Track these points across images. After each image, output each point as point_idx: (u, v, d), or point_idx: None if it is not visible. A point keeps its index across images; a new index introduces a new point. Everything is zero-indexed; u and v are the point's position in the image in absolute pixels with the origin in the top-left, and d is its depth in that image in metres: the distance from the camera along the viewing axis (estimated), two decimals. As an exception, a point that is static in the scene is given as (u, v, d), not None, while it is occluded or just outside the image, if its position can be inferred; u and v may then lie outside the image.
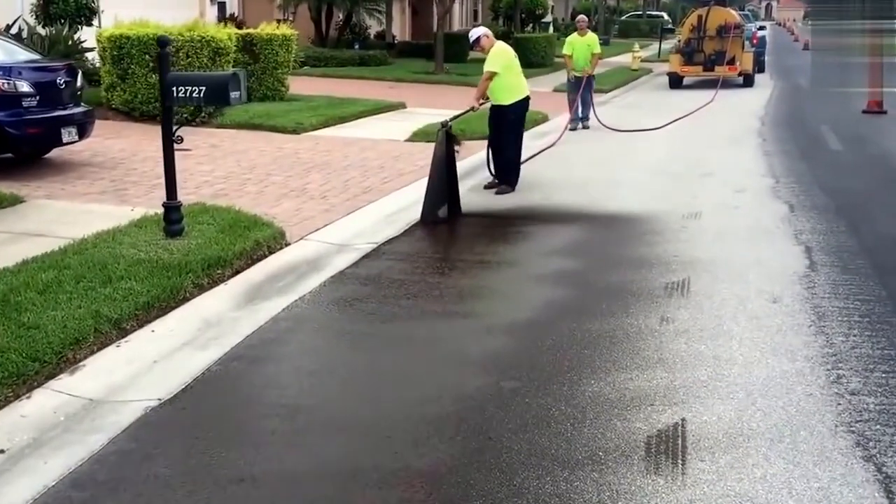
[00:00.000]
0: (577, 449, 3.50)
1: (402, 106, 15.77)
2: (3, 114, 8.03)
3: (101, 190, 8.06)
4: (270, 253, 6.19)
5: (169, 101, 5.96)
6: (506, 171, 8.92)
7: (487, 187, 8.94)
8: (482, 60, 9.29)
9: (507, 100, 8.84)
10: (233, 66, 12.17)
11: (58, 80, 8.62)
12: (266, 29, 15.22)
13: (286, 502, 3.18)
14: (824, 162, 10.99)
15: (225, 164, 9.58)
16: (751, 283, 5.72)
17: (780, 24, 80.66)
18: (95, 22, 14.55)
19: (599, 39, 15.26)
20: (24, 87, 8.23)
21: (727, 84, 20.66)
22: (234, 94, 5.84)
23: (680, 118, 14.43)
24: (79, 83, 9.14)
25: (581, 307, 5.31)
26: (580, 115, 13.92)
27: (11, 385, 3.83)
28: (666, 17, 53.12)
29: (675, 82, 21.93)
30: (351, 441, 3.61)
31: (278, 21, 17.98)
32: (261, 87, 14.74)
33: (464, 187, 8.32)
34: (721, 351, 4.55)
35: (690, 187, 9.19)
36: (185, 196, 6.82)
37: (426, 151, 9.91)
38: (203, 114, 12.11)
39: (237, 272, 5.71)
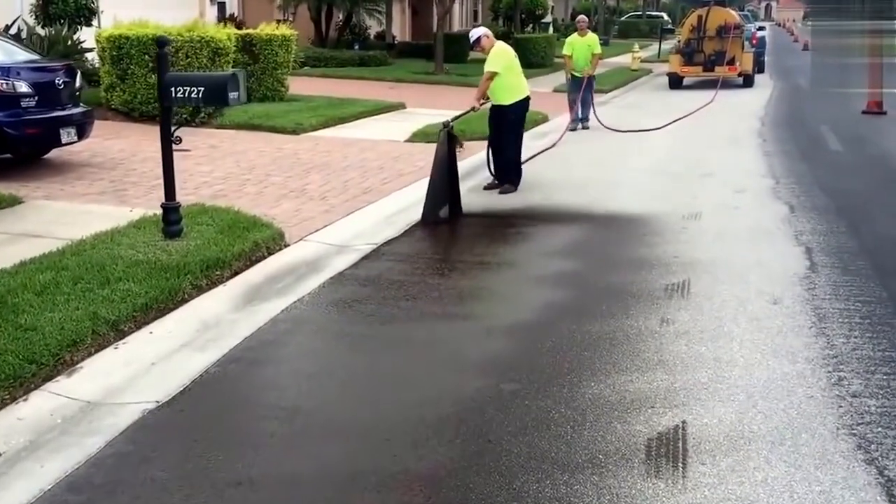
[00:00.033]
0: (577, 452, 3.48)
1: (401, 106, 15.76)
2: (1, 114, 8.01)
3: (100, 191, 8.04)
4: (269, 254, 6.17)
5: (167, 102, 5.94)
6: (508, 170, 8.92)
7: (487, 188, 8.93)
8: (482, 61, 9.28)
9: (508, 100, 8.83)
10: (232, 67, 12.15)
11: (56, 81, 8.61)
12: (266, 29, 15.21)
13: (284, 506, 3.17)
14: (824, 162, 10.98)
15: (224, 165, 9.56)
16: (751, 285, 5.70)
17: (779, 25, 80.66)
18: (95, 22, 14.52)
19: (599, 40, 15.23)
20: (23, 87, 8.21)
21: (727, 84, 20.64)
22: (232, 95, 5.82)
23: (680, 118, 14.41)
24: (78, 83, 9.13)
25: (581, 309, 5.29)
26: (580, 115, 13.90)
27: (8, 387, 3.81)
28: (666, 17, 53.10)
29: (675, 83, 21.91)
30: (350, 444, 3.59)
31: (278, 21, 17.97)
32: (260, 87, 14.73)
33: (464, 187, 8.30)
34: (721, 353, 4.53)
35: (690, 188, 9.17)
36: (184, 197, 6.80)
37: (426, 152, 9.90)
38: (202, 114, 12.10)
39: (236, 273, 5.69)
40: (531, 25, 38.62)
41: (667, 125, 13.75)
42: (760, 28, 29.93)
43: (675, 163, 10.80)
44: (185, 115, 11.43)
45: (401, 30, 34.65)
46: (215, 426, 3.74)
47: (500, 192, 8.76)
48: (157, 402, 3.90)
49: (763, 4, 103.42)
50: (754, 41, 23.94)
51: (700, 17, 21.89)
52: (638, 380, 4.17)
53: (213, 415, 3.87)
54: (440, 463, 3.41)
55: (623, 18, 54.59)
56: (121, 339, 4.53)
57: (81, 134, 8.92)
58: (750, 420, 3.76)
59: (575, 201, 8.43)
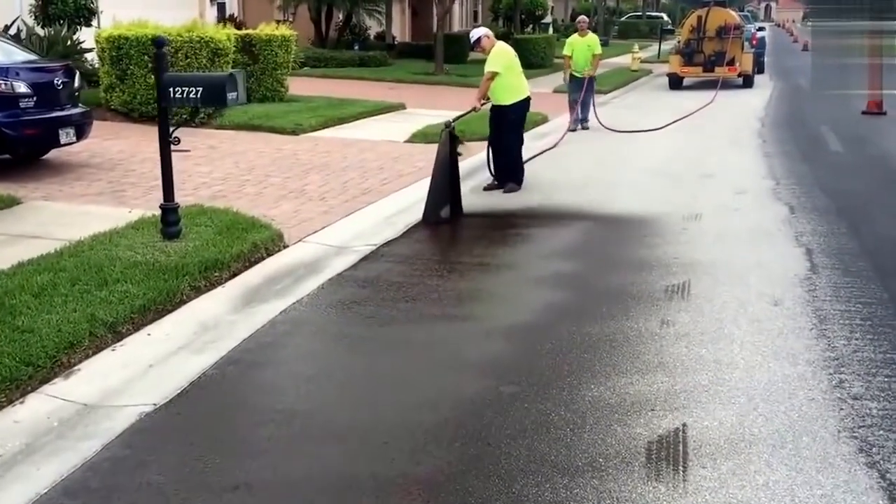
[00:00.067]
0: (577, 455, 3.46)
1: (401, 107, 15.74)
2: (0, 115, 7.99)
3: (98, 191, 8.02)
4: (268, 255, 6.15)
5: (165, 102, 5.92)
6: (511, 170, 8.94)
7: (487, 188, 8.91)
8: (482, 61, 9.27)
9: (508, 100, 8.83)
10: (232, 67, 12.12)
11: (55, 81, 8.58)
12: (265, 30, 15.19)
13: (282, 510, 3.15)
14: (825, 163, 10.95)
15: (223, 166, 9.55)
16: (752, 286, 5.68)
17: (779, 26, 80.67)
18: (94, 22, 14.49)
19: (599, 40, 15.20)
20: (22, 87, 8.19)
21: (727, 85, 20.62)
22: (231, 96, 5.79)
23: (680, 119, 14.39)
24: (77, 84, 9.11)
25: (581, 310, 5.27)
26: (580, 116, 13.87)
27: (5, 390, 3.79)
28: (665, 17, 53.08)
29: (675, 83, 21.90)
30: (348, 448, 3.57)
31: (278, 22, 17.94)
32: (260, 87, 14.70)
33: (465, 188, 8.29)
34: (722, 355, 4.51)
35: (691, 189, 9.15)
36: (183, 197, 6.78)
37: (426, 153, 9.88)
38: (202, 115, 12.06)
39: (234, 275, 5.67)
40: (531, 26, 38.61)
41: (667, 126, 13.73)
42: (760, 28, 29.93)
43: (675, 163, 10.78)
44: (184, 116, 11.34)
45: (401, 30, 34.63)
46: (213, 429, 3.72)
47: (505, 192, 8.79)
48: (155, 404, 3.88)
49: (763, 5, 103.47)
50: (754, 42, 23.94)
51: (700, 17, 21.87)
52: (638, 382, 4.15)
53: (210, 418, 3.85)
54: (439, 467, 3.39)
55: (623, 19, 54.58)
56: (118, 341, 4.51)
57: (80, 134, 8.90)
58: (751, 423, 3.74)
59: (575, 202, 8.41)
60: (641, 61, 27.69)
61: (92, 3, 14.43)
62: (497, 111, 8.93)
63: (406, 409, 3.93)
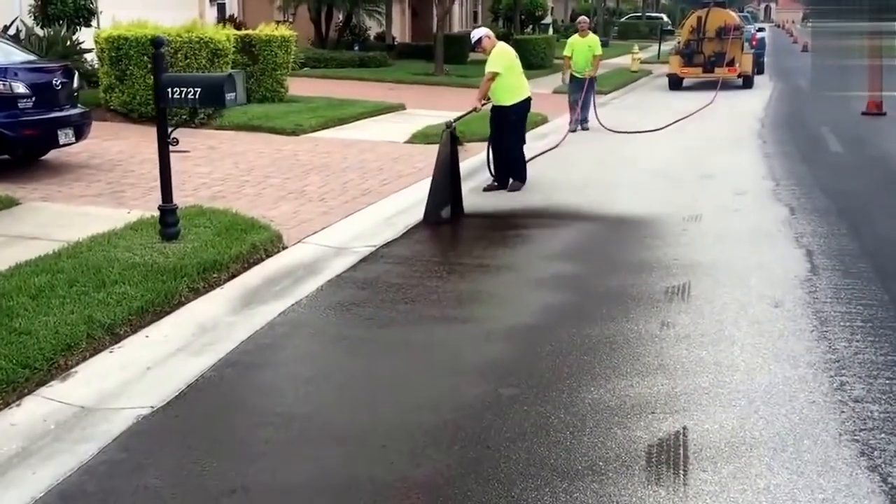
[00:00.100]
0: (577, 458, 3.44)
1: (401, 107, 15.72)
2: (-1, 115, 7.98)
3: (97, 192, 8.00)
4: (267, 256, 6.13)
5: (164, 103, 5.90)
6: (514, 169, 8.95)
7: (487, 189, 8.90)
8: (482, 62, 9.26)
9: (509, 100, 8.83)
10: (231, 68, 12.10)
11: (54, 82, 8.56)
12: (265, 30, 15.16)
13: (280, 514, 3.13)
14: (825, 164, 10.94)
15: (223, 166, 9.53)
16: (752, 288, 5.66)
17: (778, 26, 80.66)
18: (94, 23, 14.47)
19: (599, 41, 15.17)
20: (20, 88, 8.17)
21: (727, 85, 20.61)
22: (229, 96, 5.77)
23: (680, 120, 14.37)
24: (76, 84, 9.09)
25: (581, 312, 5.25)
26: (580, 116, 13.85)
27: (1, 392, 3.77)
28: (665, 18, 53.05)
29: (675, 84, 21.89)
30: (346, 451, 3.55)
31: (278, 22, 17.92)
32: (260, 88, 14.68)
33: (466, 188, 8.28)
34: (722, 357, 4.49)
35: (690, 190, 9.13)
36: (182, 198, 6.76)
37: (426, 153, 9.87)
38: (202, 115, 12.05)
39: (233, 276, 5.65)
40: (531, 26, 38.59)
41: (667, 126, 13.72)
42: (760, 29, 29.91)
43: (674, 164, 10.76)
44: (183, 117, 11.34)
45: (401, 31, 34.62)
46: (210, 432, 3.70)
47: (509, 190, 8.83)
48: (152, 407, 3.86)
49: (762, 6, 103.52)
50: (754, 42, 23.91)
51: (700, 18, 21.86)
52: (638, 384, 4.13)
53: (208, 420, 3.83)
54: (438, 470, 3.37)
55: (623, 20, 54.56)
56: (116, 342, 4.49)
57: (79, 135, 8.88)
58: (751, 426, 3.72)
59: (575, 202, 8.39)
60: (641, 62, 27.67)
61: (91, 3, 14.40)
62: (498, 111, 8.93)
63: (405, 411, 3.91)
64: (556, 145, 11.72)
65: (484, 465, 3.38)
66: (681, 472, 3.35)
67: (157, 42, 5.99)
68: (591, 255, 6.68)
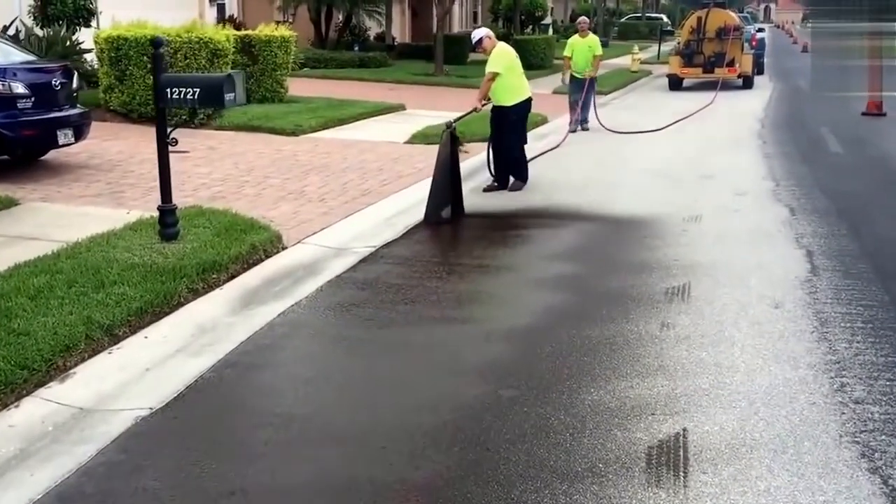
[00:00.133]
0: (577, 460, 3.43)
1: (401, 108, 15.71)
2: (-2, 115, 7.97)
3: (97, 192, 7.99)
4: (267, 257, 6.11)
5: (163, 103, 5.89)
6: (515, 168, 8.95)
7: (487, 189, 8.90)
8: (482, 62, 9.26)
9: (509, 101, 8.82)
10: (231, 68, 12.08)
11: (53, 82, 8.55)
12: (265, 30, 15.15)
13: (279, 515, 3.12)
14: (825, 164, 10.93)
15: (223, 167, 9.52)
16: (752, 288, 5.65)
17: (778, 27, 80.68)
18: (93, 23, 14.46)
19: (599, 41, 15.16)
20: (20, 88, 8.16)
21: (726, 86, 20.60)
22: (228, 97, 5.76)
23: (680, 120, 14.37)
24: (75, 84, 9.08)
25: (581, 313, 5.24)
26: (580, 116, 13.85)
27: None
28: (665, 18, 53.06)
29: (675, 84, 21.88)
30: (345, 452, 3.54)
31: (278, 22, 17.91)
32: (259, 88, 14.67)
33: (466, 188, 8.27)
34: (723, 358, 4.48)
35: (691, 190, 9.13)
36: (182, 198, 6.75)
37: (425, 154, 9.87)
38: (201, 116, 12.05)
39: (233, 276, 5.64)
40: (531, 27, 38.58)
41: (667, 127, 13.71)
42: (760, 30, 29.92)
43: (675, 165, 10.76)
44: (183, 117, 11.37)
45: (400, 31, 34.61)
46: (209, 433, 3.69)
47: (510, 190, 8.84)
48: (151, 408, 3.85)
49: (762, 6, 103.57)
50: (754, 43, 23.92)
51: (699, 18, 21.86)
52: (638, 386, 4.12)
53: (207, 422, 3.82)
54: (437, 472, 3.36)
55: (622, 20, 54.55)
56: (115, 343, 4.48)
57: (79, 135, 8.87)
58: (752, 427, 3.71)
59: (575, 203, 8.38)
60: (641, 62, 27.67)
61: (91, 3, 14.39)
62: (498, 112, 8.92)
63: (405, 412, 3.90)
64: (557, 146, 11.71)
65: (483, 467, 3.37)
66: (681, 473, 3.34)
67: (156, 42, 5.98)
68: (592, 256, 6.68)
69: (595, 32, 17.03)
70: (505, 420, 3.75)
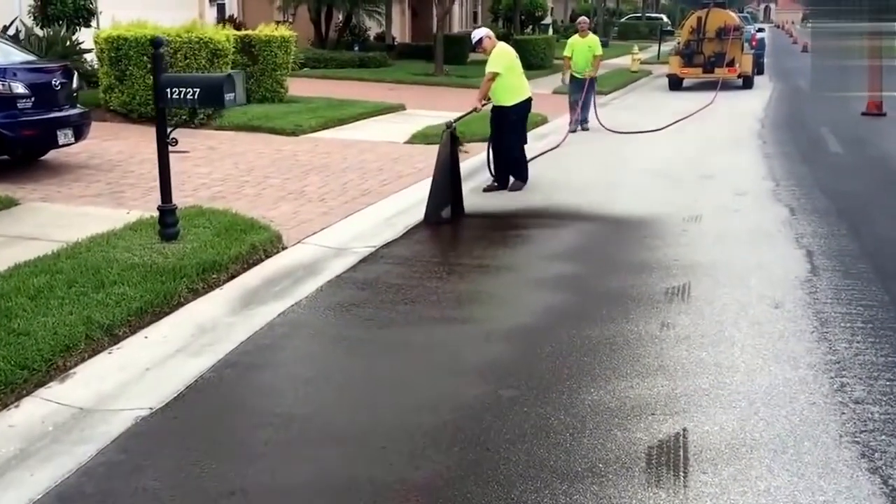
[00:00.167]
0: (577, 460, 3.43)
1: (401, 108, 15.71)
2: (-2, 115, 7.97)
3: (97, 192, 7.99)
4: (267, 257, 6.11)
5: (163, 103, 5.89)
6: (516, 168, 8.96)
7: (487, 190, 8.90)
8: (482, 62, 9.26)
9: (509, 101, 8.83)
10: (231, 68, 12.08)
11: (53, 82, 8.55)
12: (265, 30, 15.15)
13: (279, 515, 3.12)
14: (825, 164, 10.93)
15: (223, 167, 9.51)
16: (752, 288, 5.65)
17: (778, 27, 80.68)
18: (93, 23, 14.46)
19: (600, 41, 15.16)
20: (19, 88, 8.16)
21: (727, 86, 20.60)
22: (228, 97, 5.76)
23: (680, 120, 14.36)
24: (75, 84, 9.08)
25: (581, 313, 5.24)
26: (580, 116, 13.85)
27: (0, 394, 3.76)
28: (665, 18, 53.06)
29: (675, 84, 21.89)
30: (345, 452, 3.54)
31: (278, 22, 17.91)
32: (259, 88, 14.67)
33: (466, 188, 8.27)
34: (723, 358, 4.48)
35: (691, 190, 9.12)
36: (182, 198, 6.75)
37: (425, 154, 9.87)
38: (202, 116, 12.05)
39: (233, 276, 5.64)
40: (530, 27, 38.58)
41: (667, 127, 13.71)
42: (760, 30, 29.92)
43: (675, 165, 10.76)
44: (183, 117, 11.37)
45: (400, 31, 34.61)
46: (209, 433, 3.69)
47: (510, 189, 8.84)
48: (151, 408, 3.85)
49: (762, 6, 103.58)
50: (754, 43, 23.92)
51: (699, 18, 21.86)
52: (638, 386, 4.12)
53: (207, 422, 3.82)
54: (437, 472, 3.36)
55: (622, 20, 54.55)
56: (115, 343, 4.48)
57: (79, 135, 8.87)
58: (752, 427, 3.71)
59: (575, 203, 8.38)
60: (641, 62, 27.66)
61: (91, 3, 14.39)
62: (498, 112, 8.92)
63: (405, 412, 3.90)
64: (557, 146, 11.71)
65: (483, 467, 3.37)
66: (681, 474, 3.34)
67: (155, 42, 5.98)
68: (592, 256, 6.67)
69: (595, 32, 17.03)
70: (505, 420, 3.75)
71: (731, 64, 21.27)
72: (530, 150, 9.60)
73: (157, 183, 6.15)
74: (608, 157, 11.42)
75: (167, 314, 4.91)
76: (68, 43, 13.47)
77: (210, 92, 5.78)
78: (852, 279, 5.86)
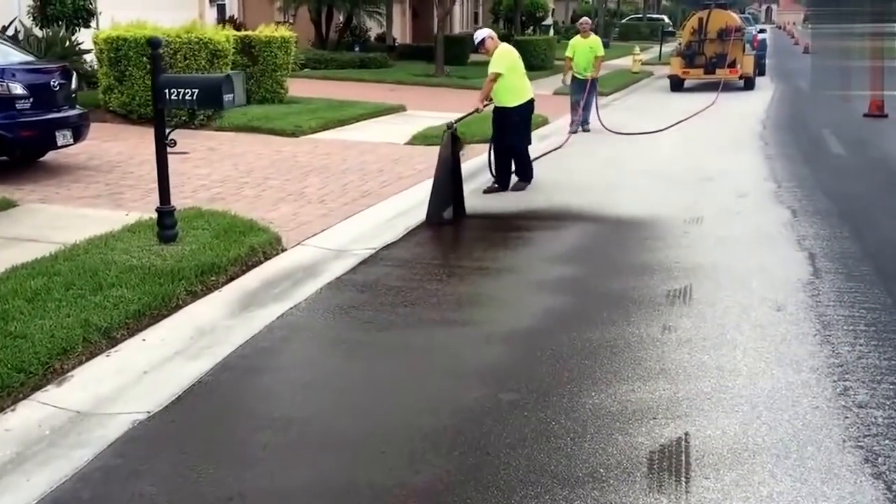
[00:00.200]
0: (578, 465, 3.40)
1: (401, 109, 15.69)
2: (-3, 116, 7.94)
3: (96, 194, 7.96)
4: (266, 259, 6.08)
5: (161, 104, 5.86)
6: (519, 168, 8.96)
7: (487, 191, 8.87)
8: (483, 63, 9.24)
9: (512, 102, 8.80)
10: (231, 69, 12.06)
11: (52, 83, 8.53)
12: (265, 31, 15.13)
13: (277, 521, 3.09)
14: (826, 166, 10.90)
15: (222, 168, 9.49)
16: (754, 291, 5.62)
17: (779, 28, 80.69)
18: (93, 23, 14.43)
19: (601, 42, 15.13)
20: (18, 89, 8.13)
21: (728, 87, 20.58)
22: (227, 97, 5.73)
23: (681, 121, 14.34)
24: (74, 85, 9.05)
25: (581, 315, 5.21)
26: (581, 118, 13.82)
27: (-4, 397, 3.73)
28: (666, 19, 53.06)
29: (676, 85, 21.86)
30: (345, 456, 3.51)
31: (278, 23, 17.88)
32: (259, 89, 14.65)
33: (468, 189, 8.25)
34: (725, 361, 4.45)
35: (692, 191, 9.09)
36: (181, 200, 6.73)
37: (426, 155, 9.84)
38: (201, 116, 12.02)
39: (232, 279, 5.61)
40: (531, 28, 38.57)
41: (668, 128, 13.68)
42: (761, 31, 29.88)
43: (676, 166, 10.73)
44: (183, 118, 11.35)
45: (401, 32, 34.60)
46: (207, 437, 3.66)
47: (513, 189, 8.84)
48: (148, 412, 3.82)
49: (763, 7, 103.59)
50: (755, 44, 23.90)
51: (701, 19, 21.83)
52: (640, 389, 4.09)
53: (204, 426, 3.79)
54: (437, 476, 3.33)
55: (624, 21, 54.54)
56: (112, 346, 4.45)
57: (78, 136, 8.85)
58: (754, 432, 3.68)
59: (576, 204, 8.36)
60: (642, 63, 27.65)
61: (90, 3, 14.37)
62: (500, 113, 8.90)
63: (404, 415, 3.87)
64: (560, 146, 11.68)
65: (483, 472, 3.34)
66: (683, 479, 3.31)
67: (153, 43, 5.94)
68: (593, 258, 6.64)
69: (596, 33, 17.00)
70: (505, 424, 3.72)
71: (732, 65, 21.24)
72: (532, 151, 9.57)
73: (156, 184, 6.12)
74: (609, 158, 11.39)
75: (165, 317, 4.88)
76: (67, 43, 13.45)
77: (208, 93, 5.75)
78: (855, 282, 5.82)
